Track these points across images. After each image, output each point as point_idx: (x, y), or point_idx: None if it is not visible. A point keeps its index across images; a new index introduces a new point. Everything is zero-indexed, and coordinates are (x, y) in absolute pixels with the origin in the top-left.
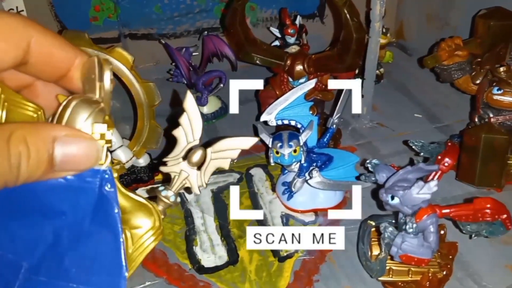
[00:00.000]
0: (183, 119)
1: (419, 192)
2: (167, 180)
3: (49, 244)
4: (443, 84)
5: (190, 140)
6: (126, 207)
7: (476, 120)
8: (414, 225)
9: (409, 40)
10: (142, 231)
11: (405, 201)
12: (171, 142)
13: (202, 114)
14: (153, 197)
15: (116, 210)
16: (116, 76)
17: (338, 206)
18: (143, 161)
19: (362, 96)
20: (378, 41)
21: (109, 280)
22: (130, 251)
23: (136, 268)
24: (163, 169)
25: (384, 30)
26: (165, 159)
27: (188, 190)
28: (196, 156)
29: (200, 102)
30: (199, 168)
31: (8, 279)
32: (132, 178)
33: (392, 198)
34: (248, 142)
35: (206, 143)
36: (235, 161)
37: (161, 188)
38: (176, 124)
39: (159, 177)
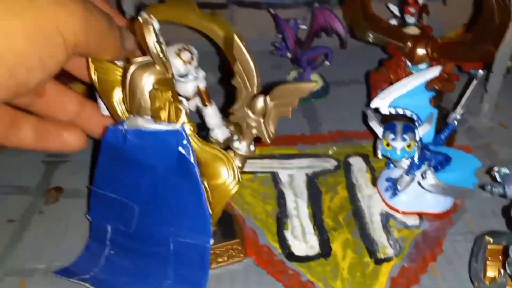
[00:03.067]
0: (236, 67)
1: None
2: None
3: (150, 193)
4: None
5: (248, 88)
6: (205, 159)
7: None
8: None
9: None
10: (220, 182)
11: None
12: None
13: None
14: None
15: (192, 163)
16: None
17: (446, 213)
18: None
19: (486, 90)
20: None
21: (197, 224)
22: (210, 200)
23: (218, 215)
24: (231, 118)
25: None
26: (231, 110)
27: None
28: (257, 103)
29: (302, 78)
30: (264, 117)
31: (126, 219)
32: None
33: None
34: (306, 87)
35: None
36: (334, 148)
37: (234, 138)
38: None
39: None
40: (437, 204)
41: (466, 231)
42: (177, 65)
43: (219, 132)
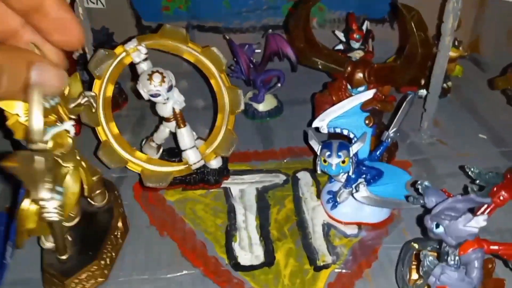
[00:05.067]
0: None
1: (465, 225)
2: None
3: None
4: None
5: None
6: None
7: None
8: (457, 258)
9: (485, 55)
10: None
11: (450, 232)
12: None
13: (257, 111)
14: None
15: None
16: (204, 75)
17: (383, 223)
18: (215, 163)
19: (424, 110)
20: (447, 55)
21: None
22: None
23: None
24: None
25: (456, 43)
26: None
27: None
28: None
29: (257, 99)
30: None
31: None
32: (199, 177)
33: (437, 226)
34: None
35: None
36: (284, 164)
37: None
38: None
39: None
40: (375, 214)
41: (400, 239)
42: (148, 86)
43: (191, 153)
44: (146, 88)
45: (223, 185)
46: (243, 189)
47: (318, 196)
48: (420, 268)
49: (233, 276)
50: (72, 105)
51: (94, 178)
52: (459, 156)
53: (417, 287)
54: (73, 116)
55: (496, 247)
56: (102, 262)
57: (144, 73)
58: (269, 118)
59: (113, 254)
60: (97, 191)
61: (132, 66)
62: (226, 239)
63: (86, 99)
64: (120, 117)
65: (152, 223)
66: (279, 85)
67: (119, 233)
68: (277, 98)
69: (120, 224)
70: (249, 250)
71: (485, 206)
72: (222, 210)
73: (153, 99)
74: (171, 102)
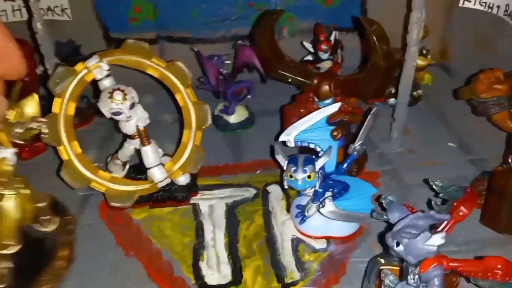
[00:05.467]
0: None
1: (424, 243)
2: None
3: None
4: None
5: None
6: None
7: (510, 160)
8: (416, 277)
9: (454, 62)
10: None
11: (409, 250)
12: None
13: (229, 123)
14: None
15: None
16: (169, 91)
17: (352, 236)
18: (183, 179)
19: (393, 119)
20: (413, 65)
21: None
22: None
23: None
24: None
25: (424, 52)
26: None
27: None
28: None
29: (228, 111)
30: None
31: None
32: (166, 195)
33: (398, 244)
34: None
35: None
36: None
37: None
38: None
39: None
40: (343, 228)
41: (369, 253)
42: (110, 104)
43: (156, 171)
44: (107, 107)
45: (191, 202)
46: (212, 204)
47: (288, 210)
48: (382, 287)
49: None
50: (20, 130)
51: (39, 205)
52: (427, 165)
53: None
54: (20, 142)
55: (455, 264)
56: None
57: (105, 91)
58: (241, 130)
59: (54, 284)
60: (45, 217)
61: (95, 82)
62: (194, 258)
63: (37, 125)
64: (88, 132)
65: (118, 244)
66: (249, 96)
67: (62, 262)
68: (249, 109)
69: (65, 252)
70: (217, 269)
71: (445, 222)
72: (190, 228)
73: (115, 117)
74: (134, 120)
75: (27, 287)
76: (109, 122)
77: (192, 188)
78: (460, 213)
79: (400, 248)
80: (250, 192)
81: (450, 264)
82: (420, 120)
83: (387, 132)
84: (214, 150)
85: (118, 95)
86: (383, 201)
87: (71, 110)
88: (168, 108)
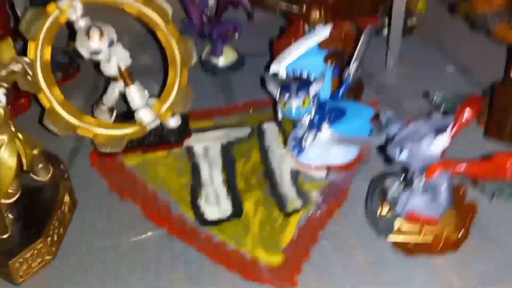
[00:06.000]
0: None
1: (429, 146)
2: None
3: None
4: (480, 38)
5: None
6: None
7: None
8: (423, 182)
9: None
10: None
11: (414, 156)
12: None
13: (217, 67)
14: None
15: None
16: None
17: (351, 163)
18: (173, 122)
19: (388, 47)
20: None
21: None
22: None
23: None
24: None
25: None
26: None
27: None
28: None
29: (215, 53)
30: None
31: None
32: (158, 139)
33: (401, 152)
34: None
35: None
36: (247, 117)
37: None
38: None
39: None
40: (342, 156)
41: (369, 178)
42: (87, 43)
43: (144, 112)
44: (85, 46)
45: (185, 145)
46: (207, 146)
47: (285, 144)
48: (387, 197)
49: (200, 232)
50: (4, 72)
51: (34, 151)
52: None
53: (387, 220)
54: (5, 84)
55: (462, 166)
56: (49, 239)
57: (81, 31)
58: (230, 73)
59: (61, 230)
60: (40, 165)
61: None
62: (192, 197)
63: (19, 65)
64: (72, 88)
65: (111, 189)
66: (237, 34)
67: (66, 208)
68: (237, 51)
69: (67, 198)
70: (216, 205)
71: (449, 127)
72: (185, 169)
73: (94, 57)
74: (115, 59)
75: (37, 235)
76: (93, 77)
77: (185, 131)
78: (465, 116)
79: (404, 155)
80: (244, 132)
81: (457, 167)
82: (416, 49)
83: (383, 63)
84: (204, 94)
85: (95, 33)
86: (382, 117)
87: (47, 55)
88: (149, 51)
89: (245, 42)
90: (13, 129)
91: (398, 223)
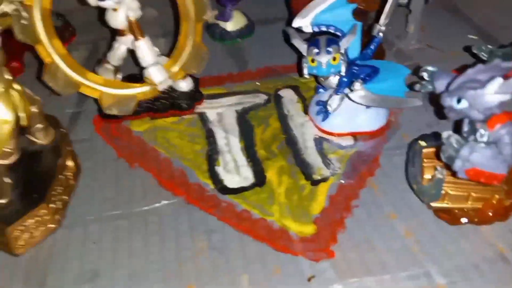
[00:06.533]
0: None
1: (495, 91)
2: None
3: None
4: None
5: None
6: None
7: None
8: (487, 133)
9: None
10: None
11: (475, 104)
12: None
13: (226, 32)
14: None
15: None
16: None
17: (380, 130)
18: (185, 85)
19: (410, 11)
20: None
21: None
22: None
23: None
24: None
25: None
26: None
27: None
28: None
29: (223, 17)
30: None
31: None
32: (169, 103)
33: (459, 101)
34: None
35: None
36: (260, 83)
37: None
38: None
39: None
40: (370, 122)
41: (402, 145)
42: None
43: (155, 70)
44: None
45: (196, 111)
46: (221, 112)
47: (305, 112)
48: (442, 154)
49: (221, 200)
50: None
51: (33, 108)
52: (450, 57)
53: (434, 183)
54: None
55: None
56: (52, 205)
57: None
58: (240, 39)
59: (66, 196)
60: (39, 125)
61: None
62: (209, 164)
63: (12, 6)
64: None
65: (120, 156)
66: None
67: (70, 173)
68: (246, 15)
69: (70, 163)
70: (236, 173)
71: None
72: (199, 136)
73: (101, 3)
74: (123, 9)
75: (38, 200)
76: (91, 41)
77: (196, 96)
78: None
79: (463, 104)
80: (260, 98)
81: None
82: (435, 17)
83: (402, 29)
84: (214, 61)
85: None
86: (424, 73)
87: (47, 2)
88: (151, 1)
89: (256, 10)
90: (8, 77)
91: (444, 187)
